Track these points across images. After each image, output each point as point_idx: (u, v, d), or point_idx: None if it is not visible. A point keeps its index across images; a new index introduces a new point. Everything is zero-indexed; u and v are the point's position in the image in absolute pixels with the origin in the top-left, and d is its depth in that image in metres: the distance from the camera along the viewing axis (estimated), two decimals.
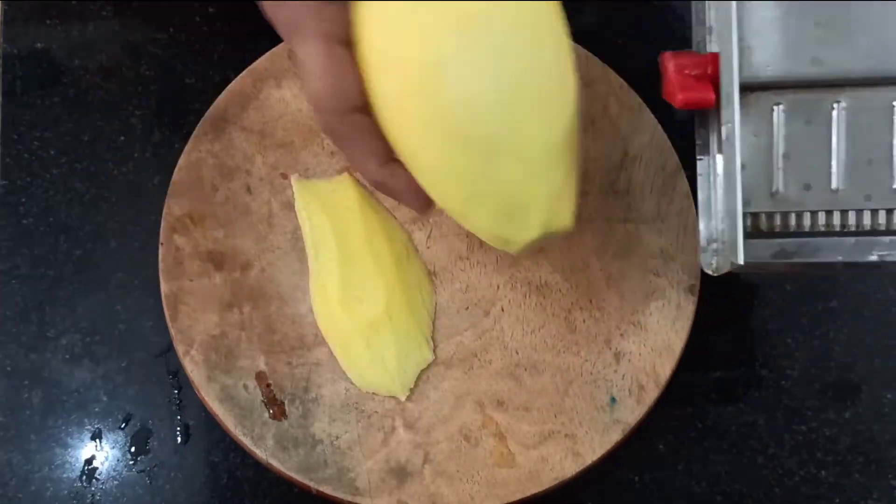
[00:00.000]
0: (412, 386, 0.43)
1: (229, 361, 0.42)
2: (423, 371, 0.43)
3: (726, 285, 0.49)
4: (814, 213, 0.32)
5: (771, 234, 0.33)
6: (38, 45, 0.51)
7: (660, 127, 0.47)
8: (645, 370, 0.43)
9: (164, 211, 0.44)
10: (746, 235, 0.32)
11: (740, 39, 0.30)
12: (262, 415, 0.42)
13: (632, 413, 0.42)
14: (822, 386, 0.47)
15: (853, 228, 0.32)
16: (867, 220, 0.32)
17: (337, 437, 0.41)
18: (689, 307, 0.44)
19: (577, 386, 0.43)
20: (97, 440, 0.45)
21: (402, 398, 0.42)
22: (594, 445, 0.42)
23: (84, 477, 0.44)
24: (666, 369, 0.43)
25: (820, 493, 0.45)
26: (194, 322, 0.43)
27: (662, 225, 0.46)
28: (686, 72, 0.32)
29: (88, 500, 0.44)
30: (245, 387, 0.42)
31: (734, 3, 0.30)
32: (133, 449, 0.45)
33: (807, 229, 0.32)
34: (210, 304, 0.43)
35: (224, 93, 0.46)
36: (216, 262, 0.44)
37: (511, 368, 0.43)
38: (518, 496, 0.41)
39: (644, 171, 0.47)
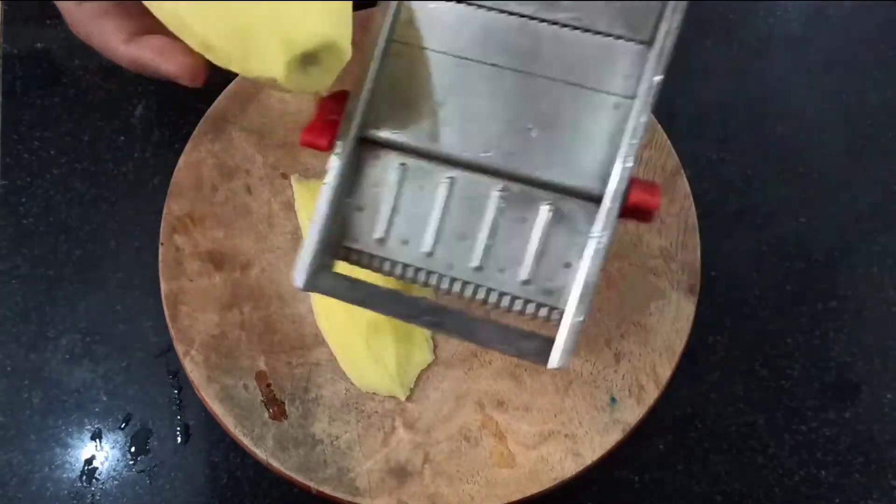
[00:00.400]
0: (412, 386, 0.43)
1: (229, 361, 0.42)
2: (423, 371, 0.43)
3: (726, 285, 0.49)
4: (405, 266, 0.35)
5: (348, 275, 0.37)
6: (38, 45, 0.51)
7: (660, 127, 0.47)
8: (645, 370, 0.43)
9: (164, 211, 0.44)
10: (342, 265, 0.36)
11: (372, 101, 0.34)
12: (262, 415, 0.42)
13: (632, 413, 0.42)
14: (822, 386, 0.47)
15: (443, 290, 0.36)
16: (446, 285, 0.35)
17: (337, 438, 0.41)
18: (689, 307, 0.44)
19: (577, 386, 0.43)
20: (97, 440, 0.45)
21: (402, 398, 0.42)
22: (594, 445, 0.42)
23: (84, 477, 0.44)
24: (666, 369, 0.43)
25: (820, 493, 0.45)
26: (194, 322, 0.43)
27: (662, 225, 0.46)
28: (327, 114, 0.34)
29: (88, 500, 0.44)
30: (245, 387, 0.42)
31: (373, 66, 0.33)
32: (133, 449, 0.45)
33: (398, 278, 0.36)
34: (210, 304, 0.43)
35: (224, 93, 0.46)
36: (216, 262, 0.44)
37: (511, 368, 0.43)
38: (518, 496, 0.41)
39: (644, 172, 0.47)
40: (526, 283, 0.34)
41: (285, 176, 0.46)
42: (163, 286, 0.43)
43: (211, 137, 0.46)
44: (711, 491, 0.45)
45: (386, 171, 0.35)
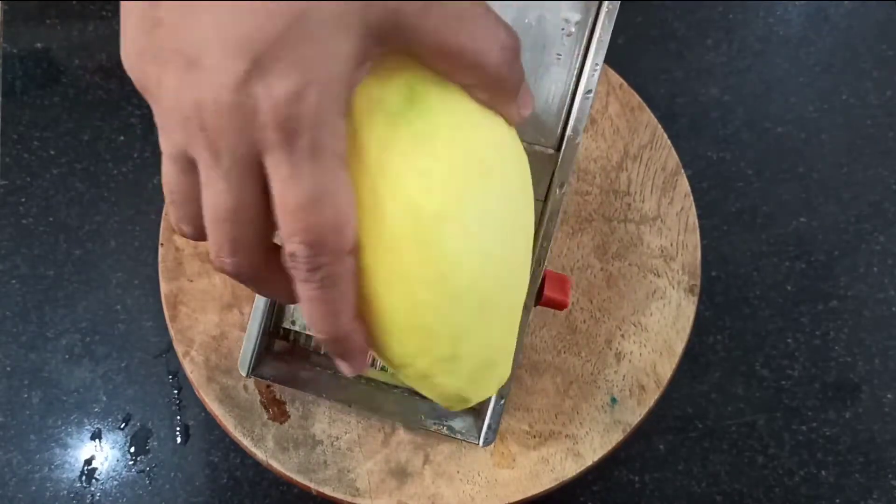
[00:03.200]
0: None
1: (229, 362, 0.42)
2: None
3: (726, 285, 0.49)
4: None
5: (291, 357, 0.40)
6: (38, 45, 0.51)
7: (660, 127, 0.47)
8: (645, 370, 0.43)
9: (164, 211, 0.44)
10: (283, 344, 0.39)
11: None
12: (261, 415, 0.42)
13: (632, 413, 0.42)
14: (822, 386, 0.47)
15: (377, 367, 0.38)
16: (379, 363, 0.38)
17: (337, 438, 0.41)
18: (689, 307, 0.44)
19: (577, 386, 0.43)
20: (97, 440, 0.45)
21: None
22: (595, 446, 0.42)
23: (84, 477, 0.44)
24: (666, 369, 0.43)
25: (820, 493, 0.45)
26: (194, 322, 0.43)
27: (662, 225, 0.46)
28: None
29: (88, 501, 0.44)
30: (245, 387, 0.42)
31: None
32: (133, 449, 0.45)
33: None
34: (210, 304, 0.43)
35: None
36: None
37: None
38: (519, 497, 0.41)
39: (644, 171, 0.47)
40: None
41: None
42: (162, 286, 0.43)
43: None
44: (711, 491, 0.45)
45: None
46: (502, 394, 0.36)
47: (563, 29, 0.33)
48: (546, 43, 0.33)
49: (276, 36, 0.22)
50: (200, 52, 0.22)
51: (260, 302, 0.37)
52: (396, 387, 0.39)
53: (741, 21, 0.55)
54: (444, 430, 0.38)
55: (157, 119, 0.24)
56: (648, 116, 0.47)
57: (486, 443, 0.37)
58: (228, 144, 0.22)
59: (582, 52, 0.33)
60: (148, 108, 0.50)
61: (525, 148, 0.30)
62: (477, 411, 0.38)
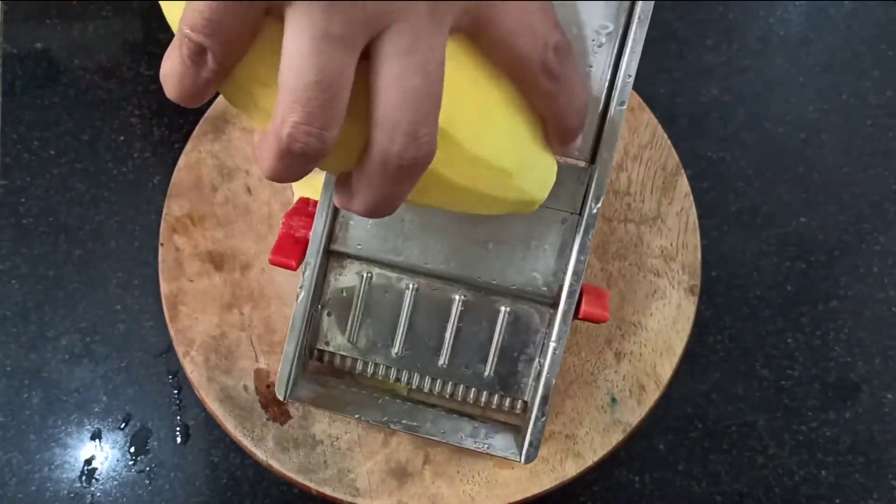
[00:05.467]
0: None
1: (229, 362, 0.42)
2: None
3: (726, 286, 0.49)
4: (376, 366, 0.38)
5: (326, 377, 0.40)
6: (38, 45, 0.51)
7: (660, 127, 0.47)
8: (645, 370, 0.43)
9: (164, 211, 0.44)
10: (317, 364, 0.40)
11: (342, 216, 0.36)
12: (262, 416, 0.42)
13: (632, 413, 0.42)
14: (822, 386, 0.47)
15: (413, 387, 0.39)
16: (416, 382, 0.38)
17: (337, 438, 0.41)
18: (689, 307, 0.44)
19: (577, 386, 0.43)
20: (97, 440, 0.45)
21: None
22: (595, 446, 0.42)
23: (84, 477, 0.44)
24: (666, 369, 0.43)
25: (820, 493, 0.45)
26: (194, 322, 0.43)
27: (662, 225, 0.46)
28: (293, 232, 0.37)
29: (88, 501, 0.44)
30: (245, 387, 0.42)
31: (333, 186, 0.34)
32: (133, 449, 0.45)
33: (370, 376, 0.39)
34: (210, 304, 0.43)
35: None
36: (216, 263, 0.44)
37: None
38: (519, 497, 0.41)
39: (644, 171, 0.47)
40: (489, 377, 0.38)
41: None
42: (162, 286, 0.43)
43: (211, 137, 0.46)
44: (711, 491, 0.45)
45: (352, 279, 0.38)
46: (543, 412, 0.36)
47: (594, 40, 0.33)
48: (578, 54, 0.33)
49: None
50: None
51: (296, 322, 0.37)
52: (434, 405, 0.39)
53: (741, 21, 0.55)
54: (486, 449, 0.38)
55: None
56: (648, 116, 0.47)
57: (528, 460, 0.37)
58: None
59: (613, 63, 0.33)
60: (148, 107, 0.50)
61: (557, 161, 0.33)
62: (517, 428, 0.38)
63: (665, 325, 0.44)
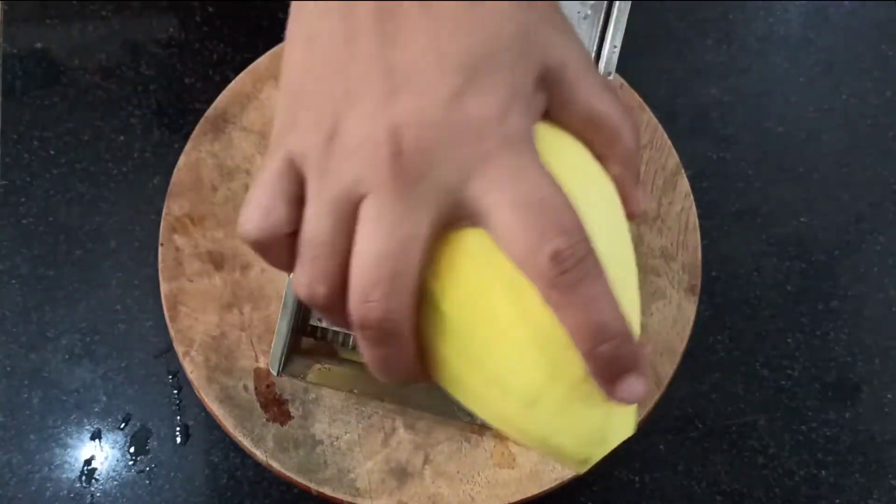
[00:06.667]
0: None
1: (229, 362, 0.42)
2: None
3: (726, 286, 0.49)
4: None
5: (320, 356, 0.39)
6: (38, 45, 0.51)
7: (660, 127, 0.47)
8: None
9: (164, 211, 0.44)
10: (308, 341, 0.39)
11: None
12: (262, 416, 0.42)
13: None
14: (822, 386, 0.47)
15: None
16: None
17: (337, 438, 0.41)
18: (689, 307, 0.44)
19: None
20: (97, 440, 0.45)
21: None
22: None
23: (84, 477, 0.44)
24: (667, 369, 0.43)
25: (820, 493, 0.45)
26: (194, 322, 0.43)
27: (662, 225, 0.46)
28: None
29: (88, 501, 0.44)
30: (245, 387, 0.42)
31: None
32: (133, 449, 0.45)
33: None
34: (210, 304, 0.43)
35: (224, 93, 0.46)
36: (216, 263, 0.44)
37: None
38: (519, 497, 0.41)
39: (644, 171, 0.47)
40: None
41: None
42: (162, 286, 0.43)
43: (211, 137, 0.46)
44: (711, 491, 0.45)
45: None
46: None
47: (579, 12, 0.32)
48: None
49: (490, 53, 0.22)
50: (410, 73, 0.21)
51: (289, 299, 0.36)
52: None
53: (741, 21, 0.55)
54: (478, 422, 0.37)
55: (315, 169, 0.23)
56: (648, 116, 0.47)
57: None
58: (433, 164, 0.22)
59: (599, 35, 0.32)
60: (148, 107, 0.50)
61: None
62: None
63: (665, 325, 0.44)
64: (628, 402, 0.24)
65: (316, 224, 0.23)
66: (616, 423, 0.25)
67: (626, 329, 0.23)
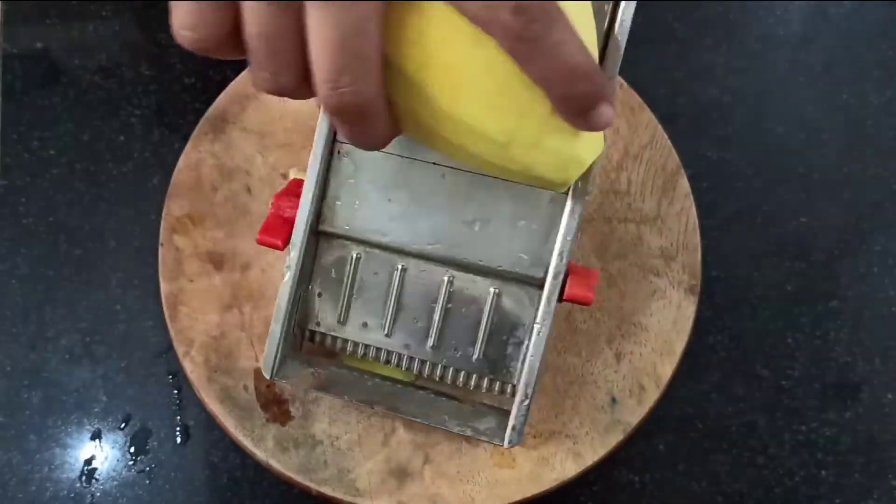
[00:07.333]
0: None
1: (229, 362, 0.42)
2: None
3: (726, 286, 0.49)
4: (366, 347, 0.38)
5: (318, 358, 0.39)
6: (38, 45, 0.51)
7: (660, 127, 0.47)
8: (646, 370, 0.43)
9: (164, 211, 0.44)
10: (308, 345, 0.39)
11: (330, 196, 0.36)
12: (262, 416, 0.42)
13: (632, 413, 0.42)
14: (822, 386, 0.47)
15: (402, 368, 0.38)
16: (405, 363, 0.38)
17: (337, 438, 0.41)
18: (689, 307, 0.44)
19: (577, 386, 0.43)
20: (97, 440, 0.45)
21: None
22: (595, 446, 0.42)
23: (84, 477, 0.44)
24: (667, 369, 0.43)
25: (820, 493, 0.45)
26: (194, 322, 0.43)
27: (662, 225, 0.46)
28: (281, 212, 0.36)
29: (88, 501, 0.44)
30: (245, 387, 0.42)
31: (319, 166, 0.35)
32: (133, 449, 0.45)
33: (360, 357, 0.38)
34: (210, 304, 0.43)
35: (224, 93, 0.46)
36: (216, 263, 0.44)
37: None
38: (519, 497, 0.41)
39: (644, 171, 0.47)
40: (478, 360, 0.37)
41: (285, 176, 0.46)
42: (162, 286, 0.43)
43: (211, 137, 0.46)
44: (711, 491, 0.45)
45: (341, 260, 0.37)
46: (527, 394, 0.36)
47: None
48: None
49: None
50: None
51: (282, 304, 0.36)
52: (422, 388, 0.39)
53: (741, 21, 0.55)
54: (468, 432, 0.37)
55: None
56: (648, 116, 0.47)
57: (511, 444, 0.37)
58: None
59: (604, 36, 0.31)
60: (148, 107, 0.50)
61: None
62: (502, 412, 0.38)
63: (665, 325, 0.44)
64: (600, 128, 0.26)
65: (260, 17, 0.23)
66: (587, 145, 0.29)
67: (595, 64, 0.25)
